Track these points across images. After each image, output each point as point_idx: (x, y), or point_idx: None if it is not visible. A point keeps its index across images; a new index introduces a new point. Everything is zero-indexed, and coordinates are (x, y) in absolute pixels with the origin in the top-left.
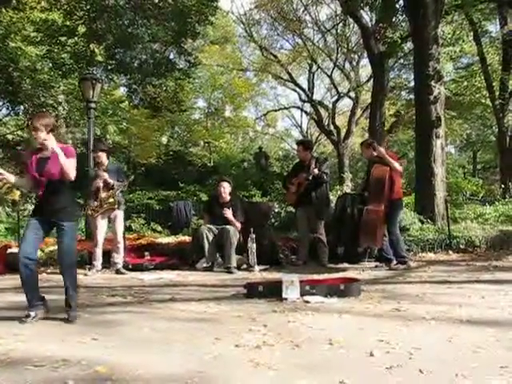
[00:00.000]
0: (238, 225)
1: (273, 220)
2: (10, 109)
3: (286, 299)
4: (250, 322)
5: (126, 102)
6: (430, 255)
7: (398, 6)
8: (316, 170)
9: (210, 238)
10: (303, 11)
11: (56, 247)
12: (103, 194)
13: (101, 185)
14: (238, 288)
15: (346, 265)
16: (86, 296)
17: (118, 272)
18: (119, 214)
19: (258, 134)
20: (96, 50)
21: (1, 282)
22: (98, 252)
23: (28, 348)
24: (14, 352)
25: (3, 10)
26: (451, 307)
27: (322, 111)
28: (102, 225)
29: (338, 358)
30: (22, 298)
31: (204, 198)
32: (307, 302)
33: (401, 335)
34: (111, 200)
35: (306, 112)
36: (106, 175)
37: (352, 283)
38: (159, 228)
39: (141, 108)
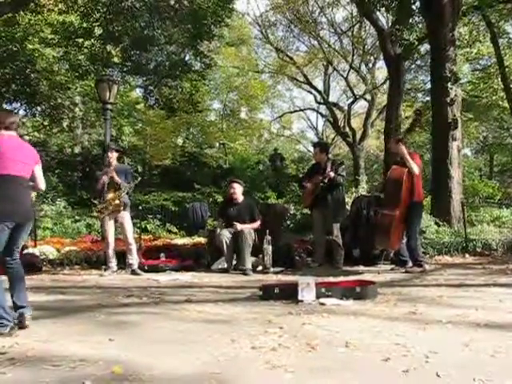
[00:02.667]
0: (256, 225)
1: (288, 222)
2: (28, 110)
3: (301, 301)
4: (266, 324)
5: (142, 104)
6: (447, 258)
7: (414, 7)
8: (332, 173)
9: (229, 242)
10: (319, 13)
11: (72, 248)
12: (109, 195)
13: (106, 180)
14: (253, 290)
15: (361, 267)
16: (102, 297)
17: (133, 273)
18: (126, 216)
19: (273, 135)
20: (112, 52)
21: None
22: (111, 253)
23: (46, 348)
24: (31, 351)
25: (21, 13)
26: (468, 311)
27: (338, 113)
28: (111, 226)
29: (354, 361)
30: (37, 298)
31: (219, 199)
32: (323, 304)
33: (417, 338)
34: (117, 201)
35: (321, 114)
36: (113, 172)
37: (368, 286)
38: (175, 229)
39: (156, 109)
